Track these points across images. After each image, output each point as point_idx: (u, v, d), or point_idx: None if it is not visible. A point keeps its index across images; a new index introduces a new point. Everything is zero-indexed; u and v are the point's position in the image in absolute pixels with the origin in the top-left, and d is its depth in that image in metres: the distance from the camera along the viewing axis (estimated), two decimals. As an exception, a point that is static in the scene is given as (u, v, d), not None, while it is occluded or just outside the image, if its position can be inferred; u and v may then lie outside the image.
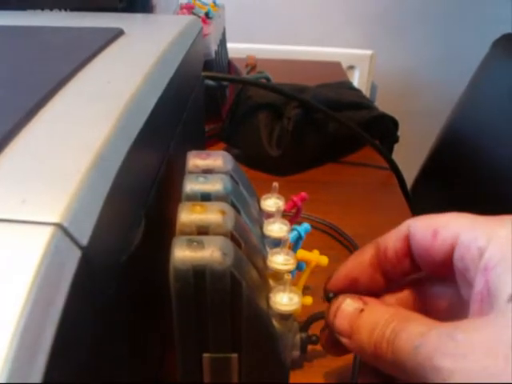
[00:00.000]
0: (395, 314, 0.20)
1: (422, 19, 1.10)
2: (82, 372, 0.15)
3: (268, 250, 0.26)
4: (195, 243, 0.20)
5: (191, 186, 0.24)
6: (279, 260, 0.24)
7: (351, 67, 1.11)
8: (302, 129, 0.54)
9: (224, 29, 0.73)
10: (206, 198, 0.23)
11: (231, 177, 0.26)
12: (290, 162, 0.55)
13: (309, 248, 0.31)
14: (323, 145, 0.56)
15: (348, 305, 0.23)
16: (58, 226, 0.13)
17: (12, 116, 0.19)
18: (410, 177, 0.77)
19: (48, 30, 0.32)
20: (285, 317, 0.23)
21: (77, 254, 0.14)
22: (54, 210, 0.14)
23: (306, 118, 0.54)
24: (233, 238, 0.22)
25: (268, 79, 0.69)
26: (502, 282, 0.17)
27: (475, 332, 0.17)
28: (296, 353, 0.26)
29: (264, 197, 0.28)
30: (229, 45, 0.75)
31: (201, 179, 0.24)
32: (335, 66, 0.97)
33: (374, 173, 0.57)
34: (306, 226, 0.34)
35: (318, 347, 0.27)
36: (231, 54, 0.77)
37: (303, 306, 0.27)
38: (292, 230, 0.33)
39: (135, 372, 0.23)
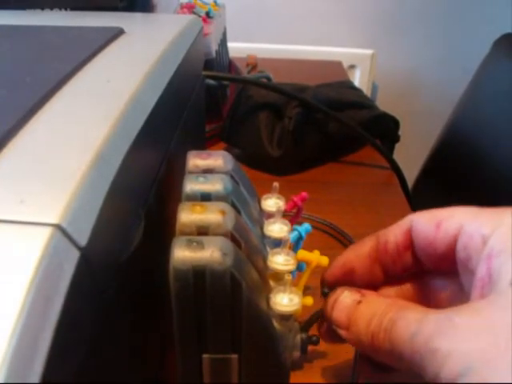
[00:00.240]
0: (392, 305, 0.20)
1: (423, 19, 1.10)
2: (81, 372, 0.15)
3: (268, 250, 0.26)
4: (195, 243, 0.20)
5: (191, 185, 0.24)
6: (279, 260, 0.24)
7: (352, 67, 1.11)
8: (302, 128, 0.54)
9: (225, 28, 0.73)
10: (206, 198, 0.23)
11: (232, 177, 0.25)
12: (290, 162, 0.55)
13: (309, 248, 0.31)
14: (324, 144, 0.56)
15: (346, 297, 0.23)
16: (57, 226, 0.13)
17: (11, 116, 0.19)
18: (410, 176, 0.76)
19: (48, 30, 0.32)
20: (285, 317, 0.23)
21: (75, 255, 0.14)
22: (53, 210, 0.14)
23: (307, 118, 0.54)
24: (233, 239, 0.21)
25: (269, 79, 0.68)
26: (504, 268, 0.17)
27: (474, 314, 0.16)
28: (296, 353, 0.26)
29: (264, 197, 0.28)
30: (229, 44, 0.75)
31: (201, 179, 0.24)
32: (336, 65, 0.97)
33: (374, 172, 0.57)
34: (306, 226, 0.34)
35: (319, 348, 0.27)
36: (232, 54, 0.77)
37: (304, 307, 0.27)
38: (292, 230, 0.33)
39: (135, 372, 0.23)
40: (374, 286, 0.25)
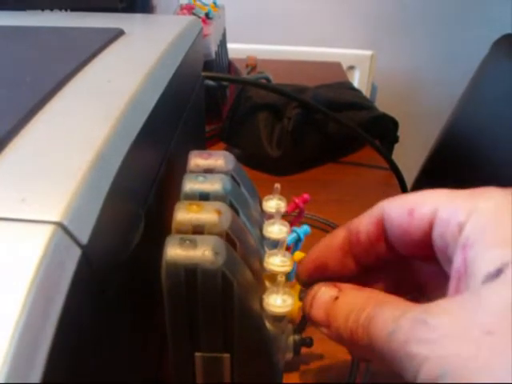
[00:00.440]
0: (370, 298, 0.20)
1: (423, 20, 1.10)
2: (81, 372, 0.15)
3: (267, 251, 0.26)
4: (188, 242, 0.20)
5: (190, 185, 0.24)
6: (276, 261, 0.24)
7: (351, 68, 1.11)
8: (302, 129, 0.54)
9: (224, 29, 0.73)
10: (204, 197, 0.23)
11: (232, 177, 0.25)
12: (290, 162, 0.55)
13: (309, 248, 0.31)
14: (323, 145, 0.56)
15: (323, 293, 0.22)
16: (58, 224, 0.13)
17: (12, 116, 0.19)
18: (410, 177, 0.77)
19: (48, 31, 0.32)
20: (278, 318, 0.23)
21: (77, 253, 0.14)
22: (54, 208, 0.14)
23: (306, 119, 0.54)
24: (228, 238, 0.21)
25: (268, 80, 0.69)
26: (479, 260, 0.17)
27: (446, 315, 0.16)
28: (289, 355, 0.26)
29: (266, 198, 0.28)
30: (229, 45, 0.75)
31: (200, 179, 0.24)
32: (335, 66, 0.97)
33: (374, 173, 0.57)
34: (305, 228, 0.33)
35: (315, 349, 0.27)
36: (231, 55, 0.77)
37: (300, 309, 0.27)
38: (291, 232, 0.33)
39: (135, 372, 0.23)
40: (348, 278, 0.24)
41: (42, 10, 0.42)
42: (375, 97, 1.18)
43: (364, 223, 0.23)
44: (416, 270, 0.23)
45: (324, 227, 0.46)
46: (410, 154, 0.92)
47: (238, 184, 0.26)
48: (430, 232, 0.20)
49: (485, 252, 0.17)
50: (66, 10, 0.42)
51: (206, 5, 0.66)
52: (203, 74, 0.45)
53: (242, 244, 0.22)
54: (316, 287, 0.23)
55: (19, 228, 0.13)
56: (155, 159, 0.26)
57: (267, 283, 0.25)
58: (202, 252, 0.20)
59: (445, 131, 0.85)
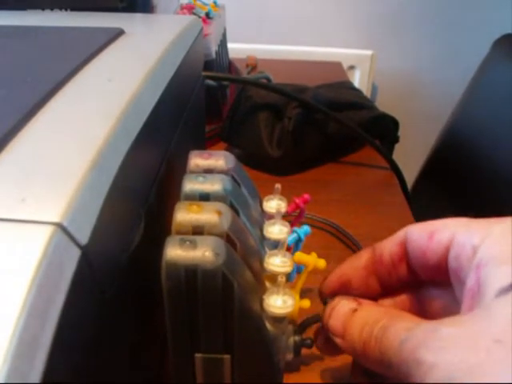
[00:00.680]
0: (385, 313, 0.20)
1: (423, 19, 1.10)
2: (81, 372, 0.15)
3: (267, 251, 0.26)
4: (188, 242, 0.20)
5: (190, 185, 0.24)
6: (276, 262, 0.24)
7: (352, 67, 1.11)
8: (302, 129, 0.54)
9: (224, 29, 0.73)
10: (204, 197, 0.23)
11: (233, 177, 0.25)
12: (290, 162, 0.55)
13: (310, 248, 0.31)
14: (323, 145, 0.56)
15: (343, 305, 0.23)
16: (58, 225, 0.13)
17: (12, 115, 0.19)
18: (410, 177, 0.77)
19: (48, 30, 0.32)
20: (278, 319, 0.23)
21: (76, 254, 0.14)
22: (54, 209, 0.14)
23: (307, 118, 0.54)
24: (228, 239, 0.21)
25: (268, 79, 0.68)
26: (492, 277, 0.17)
27: (459, 326, 0.17)
28: (289, 356, 0.26)
29: (266, 198, 0.28)
30: (229, 45, 0.75)
31: (200, 179, 0.24)
32: (336, 66, 0.97)
33: (374, 173, 0.57)
34: (305, 228, 0.33)
35: (315, 350, 0.26)
36: (232, 55, 0.77)
37: (301, 309, 0.27)
38: (292, 232, 0.33)
39: (135, 372, 0.23)
40: (370, 297, 0.25)
41: (43, 9, 0.42)
42: (375, 97, 1.18)
43: (388, 245, 0.24)
44: (430, 301, 0.24)
45: (324, 227, 0.46)
46: (411, 154, 0.92)
47: (239, 184, 0.26)
48: (446, 256, 0.21)
49: (497, 269, 0.17)
50: (66, 10, 0.42)
51: (206, 4, 0.66)
52: (203, 73, 0.45)
53: (242, 244, 0.22)
54: (337, 299, 0.24)
55: (19, 228, 0.13)
56: (155, 159, 0.26)
57: (267, 284, 0.25)
58: (202, 253, 0.20)
59: (445, 131, 0.85)
